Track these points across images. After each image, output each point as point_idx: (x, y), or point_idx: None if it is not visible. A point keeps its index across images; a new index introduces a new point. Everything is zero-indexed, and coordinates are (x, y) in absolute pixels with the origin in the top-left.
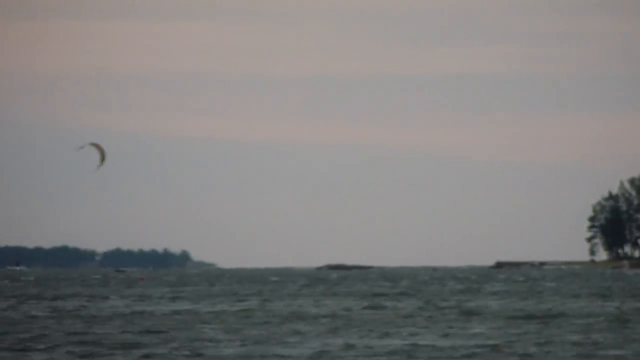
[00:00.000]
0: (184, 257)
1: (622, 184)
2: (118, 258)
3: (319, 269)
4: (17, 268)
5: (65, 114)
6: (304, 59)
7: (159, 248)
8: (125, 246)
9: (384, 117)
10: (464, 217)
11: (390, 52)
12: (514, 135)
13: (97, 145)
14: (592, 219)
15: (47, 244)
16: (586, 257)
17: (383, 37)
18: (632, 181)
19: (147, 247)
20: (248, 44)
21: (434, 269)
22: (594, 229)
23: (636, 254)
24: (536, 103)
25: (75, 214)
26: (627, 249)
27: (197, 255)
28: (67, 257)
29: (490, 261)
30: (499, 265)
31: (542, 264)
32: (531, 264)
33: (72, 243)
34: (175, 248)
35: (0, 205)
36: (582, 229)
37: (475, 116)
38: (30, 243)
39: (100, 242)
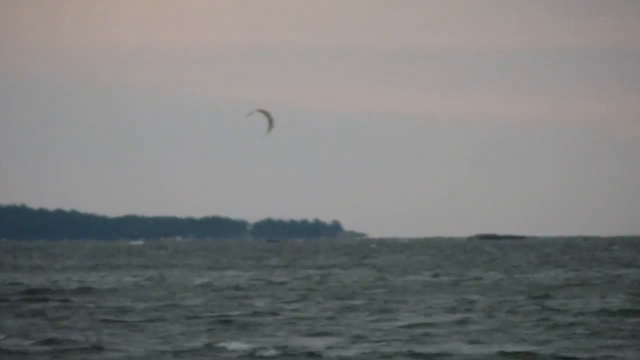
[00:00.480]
0: (335, 227)
1: None
2: (269, 228)
3: (470, 238)
4: (167, 239)
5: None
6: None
7: (310, 218)
8: (276, 216)
9: (548, 89)
10: (617, 187)
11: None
12: None
13: (265, 112)
14: None
15: (198, 214)
16: None
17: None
18: None
19: (298, 217)
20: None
21: (585, 238)
22: None
23: None
24: None
25: (226, 185)
26: None
27: (348, 225)
28: (219, 228)
29: None
30: None
31: None
32: None
33: (223, 213)
34: (326, 218)
35: (151, 177)
36: None
37: None
38: (181, 213)
39: (251, 213)
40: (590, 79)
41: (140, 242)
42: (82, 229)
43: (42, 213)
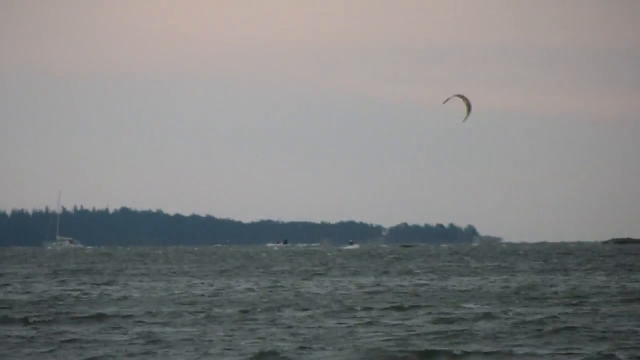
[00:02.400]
0: (470, 231)
1: None
2: (404, 233)
3: (605, 243)
4: (283, 245)
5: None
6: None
7: (445, 223)
8: (411, 221)
9: None
10: None
11: None
12: None
13: (462, 97)
14: None
15: (333, 219)
16: None
17: None
18: None
19: (433, 222)
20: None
21: None
22: None
23: None
24: None
25: (362, 190)
26: None
27: (483, 229)
28: (354, 232)
29: None
30: None
31: None
32: None
33: (358, 218)
34: (461, 223)
35: (287, 183)
36: None
37: None
38: (317, 218)
39: (387, 218)
40: None
41: (278, 245)
42: (217, 234)
43: (178, 218)
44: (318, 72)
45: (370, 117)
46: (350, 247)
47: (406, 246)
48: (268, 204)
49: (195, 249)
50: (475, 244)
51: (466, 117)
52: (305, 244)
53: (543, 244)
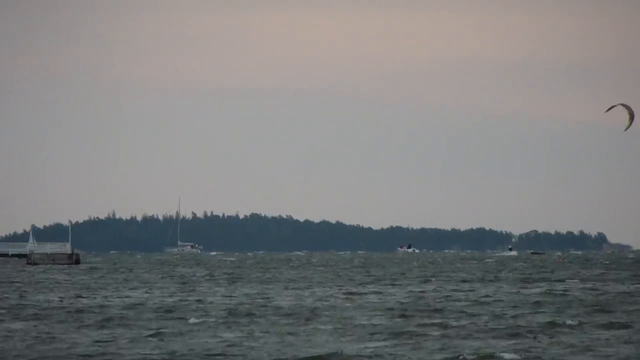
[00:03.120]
0: (600, 239)
1: None
2: (534, 240)
3: None
4: (409, 250)
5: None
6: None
7: (575, 230)
8: (541, 228)
9: None
10: None
11: None
12: None
13: (626, 106)
14: None
15: (463, 226)
16: None
17: None
18: None
19: (563, 230)
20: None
21: None
22: None
23: None
24: None
25: (493, 198)
26: None
27: (613, 237)
28: (484, 239)
29: None
30: None
31: None
32: None
33: (488, 225)
34: (592, 230)
35: (414, 190)
36: None
37: None
38: (447, 225)
39: (516, 225)
40: None
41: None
42: (346, 240)
43: (307, 224)
44: (434, 87)
45: (497, 131)
46: (509, 253)
47: (536, 253)
48: (398, 211)
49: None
50: (607, 252)
51: (628, 126)
52: (433, 251)
53: None
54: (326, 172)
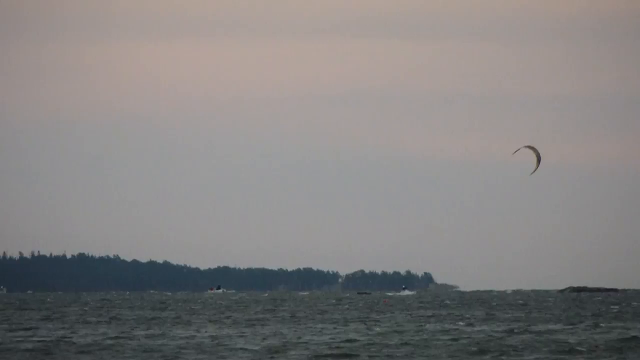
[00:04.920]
0: (427, 279)
1: None
2: (361, 280)
3: (561, 291)
4: (219, 291)
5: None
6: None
7: (402, 270)
8: (368, 268)
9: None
10: None
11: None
12: None
13: (532, 148)
14: None
15: (290, 266)
16: None
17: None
18: None
19: (390, 269)
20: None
21: None
22: None
23: None
24: None
25: (318, 237)
26: None
27: (439, 277)
28: (311, 279)
29: None
30: None
31: None
32: None
33: (315, 265)
34: (418, 270)
35: (244, 230)
36: None
37: None
38: (274, 265)
39: (343, 265)
40: None
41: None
42: (174, 280)
43: (135, 264)
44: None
45: (328, 166)
46: (405, 293)
47: (362, 293)
48: (225, 251)
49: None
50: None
51: (535, 169)
52: (260, 291)
53: (490, 292)
54: (156, 211)
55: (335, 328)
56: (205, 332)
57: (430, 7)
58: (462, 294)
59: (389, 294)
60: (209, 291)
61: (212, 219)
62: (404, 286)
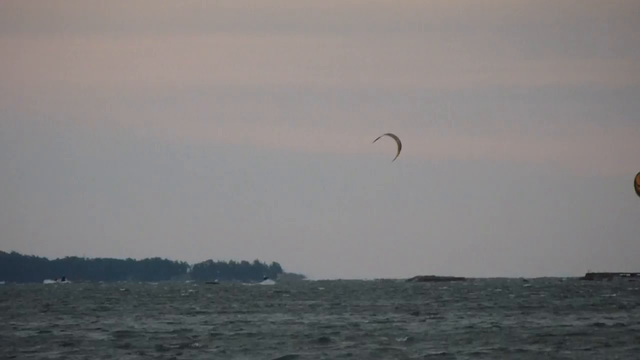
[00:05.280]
0: (275, 268)
1: None
2: (209, 270)
3: (409, 280)
4: (62, 282)
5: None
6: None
7: (250, 260)
8: (216, 258)
9: (479, 130)
10: (554, 229)
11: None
12: (610, 151)
13: (393, 136)
14: None
15: (139, 256)
16: None
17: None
18: None
19: (238, 259)
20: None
21: (525, 279)
22: None
23: None
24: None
25: (166, 227)
26: None
27: (287, 267)
28: (159, 270)
29: (580, 272)
30: (590, 276)
31: (633, 275)
32: (622, 275)
33: (163, 255)
34: (267, 260)
35: (92, 220)
36: None
37: (565, 129)
38: (122, 255)
39: (191, 255)
40: (549, 118)
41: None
42: (23, 270)
43: None
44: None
45: (175, 155)
46: (266, 282)
47: (210, 283)
48: (76, 241)
49: None
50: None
51: (397, 156)
52: (103, 282)
53: (339, 281)
54: (5, 199)
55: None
56: None
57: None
58: (312, 283)
59: (248, 284)
60: (50, 281)
61: (58, 209)
62: (265, 276)
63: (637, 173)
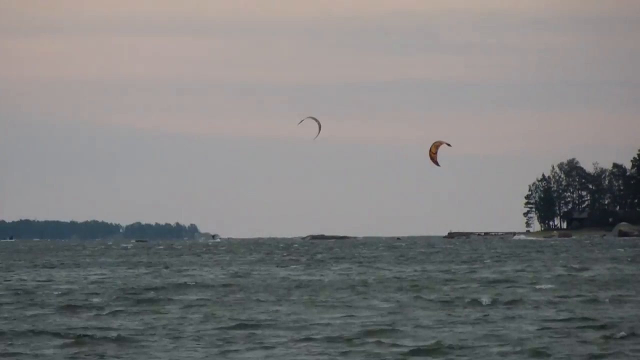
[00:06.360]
0: (193, 229)
1: (553, 168)
2: (139, 230)
3: (304, 238)
4: (11, 240)
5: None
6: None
7: (172, 222)
8: (144, 220)
9: (366, 116)
10: (423, 196)
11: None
12: (470, 130)
13: (315, 119)
14: (528, 197)
15: (80, 218)
16: (523, 228)
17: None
18: (560, 166)
19: (162, 221)
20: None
21: (398, 238)
22: (530, 205)
23: (564, 225)
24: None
25: (103, 194)
26: (557, 221)
27: (203, 227)
28: (97, 230)
29: (444, 231)
30: (451, 235)
31: (486, 233)
32: (478, 234)
33: (100, 218)
34: (185, 222)
35: (38, 185)
36: (520, 205)
37: (437, 115)
38: (65, 217)
39: (124, 217)
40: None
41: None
42: None
43: None
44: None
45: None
46: (217, 240)
47: (140, 241)
48: (29, 204)
49: None
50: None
51: (317, 134)
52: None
53: (257, 240)
54: None
55: None
56: None
57: None
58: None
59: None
60: (8, 239)
61: (11, 175)
62: (212, 234)
63: (432, 142)
